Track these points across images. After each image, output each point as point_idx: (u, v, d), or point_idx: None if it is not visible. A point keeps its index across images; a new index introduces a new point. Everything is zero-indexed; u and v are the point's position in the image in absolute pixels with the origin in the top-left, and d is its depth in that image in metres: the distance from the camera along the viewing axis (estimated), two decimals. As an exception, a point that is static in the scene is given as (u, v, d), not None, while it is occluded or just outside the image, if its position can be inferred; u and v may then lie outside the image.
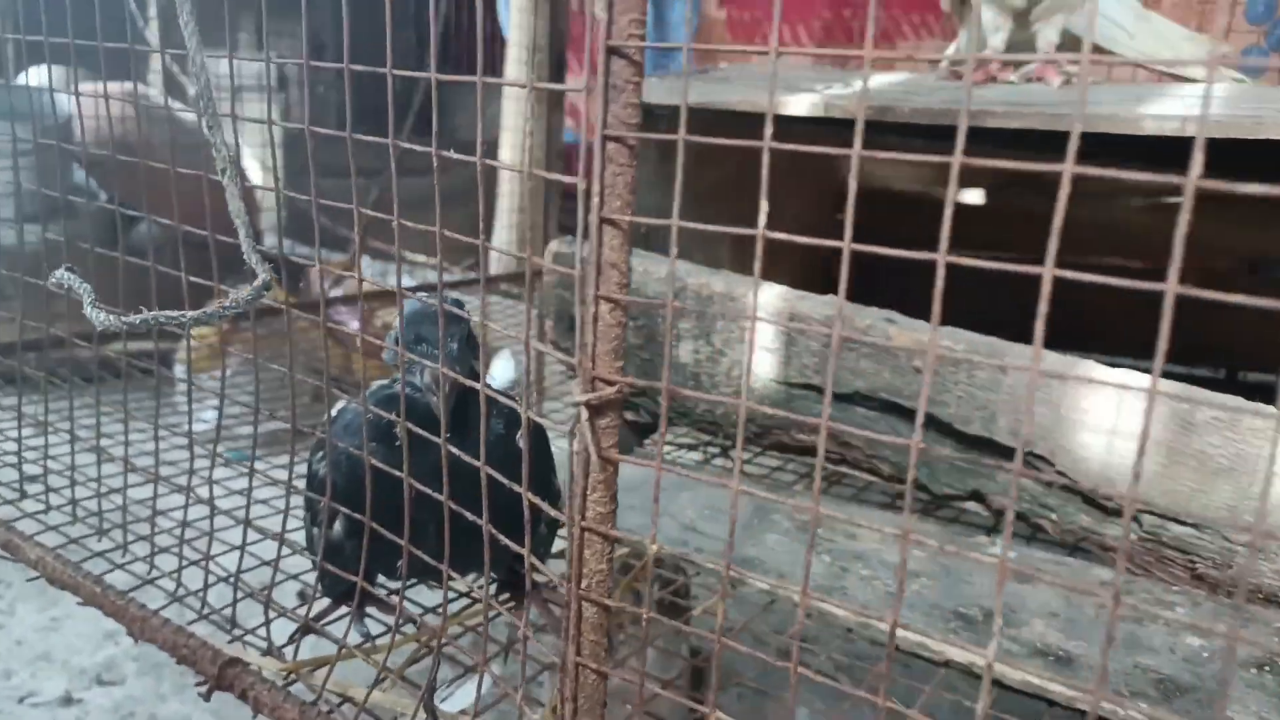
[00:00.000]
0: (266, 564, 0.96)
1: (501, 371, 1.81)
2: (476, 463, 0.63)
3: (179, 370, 2.29)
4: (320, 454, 0.86)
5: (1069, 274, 0.40)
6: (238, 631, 0.88)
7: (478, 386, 0.62)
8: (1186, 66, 1.59)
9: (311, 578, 0.92)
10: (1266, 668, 0.83)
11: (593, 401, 0.50)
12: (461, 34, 2.73)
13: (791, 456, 1.36)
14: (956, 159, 0.44)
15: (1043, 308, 0.41)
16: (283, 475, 0.93)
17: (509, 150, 2.78)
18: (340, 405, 0.88)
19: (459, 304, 0.82)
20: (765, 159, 0.45)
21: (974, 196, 1.83)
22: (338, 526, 0.81)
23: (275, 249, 2.66)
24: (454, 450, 0.64)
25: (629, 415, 1.37)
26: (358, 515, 0.74)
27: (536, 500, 0.58)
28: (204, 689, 0.77)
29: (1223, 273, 1.67)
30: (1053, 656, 0.86)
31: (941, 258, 0.44)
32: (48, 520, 1.10)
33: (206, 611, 0.93)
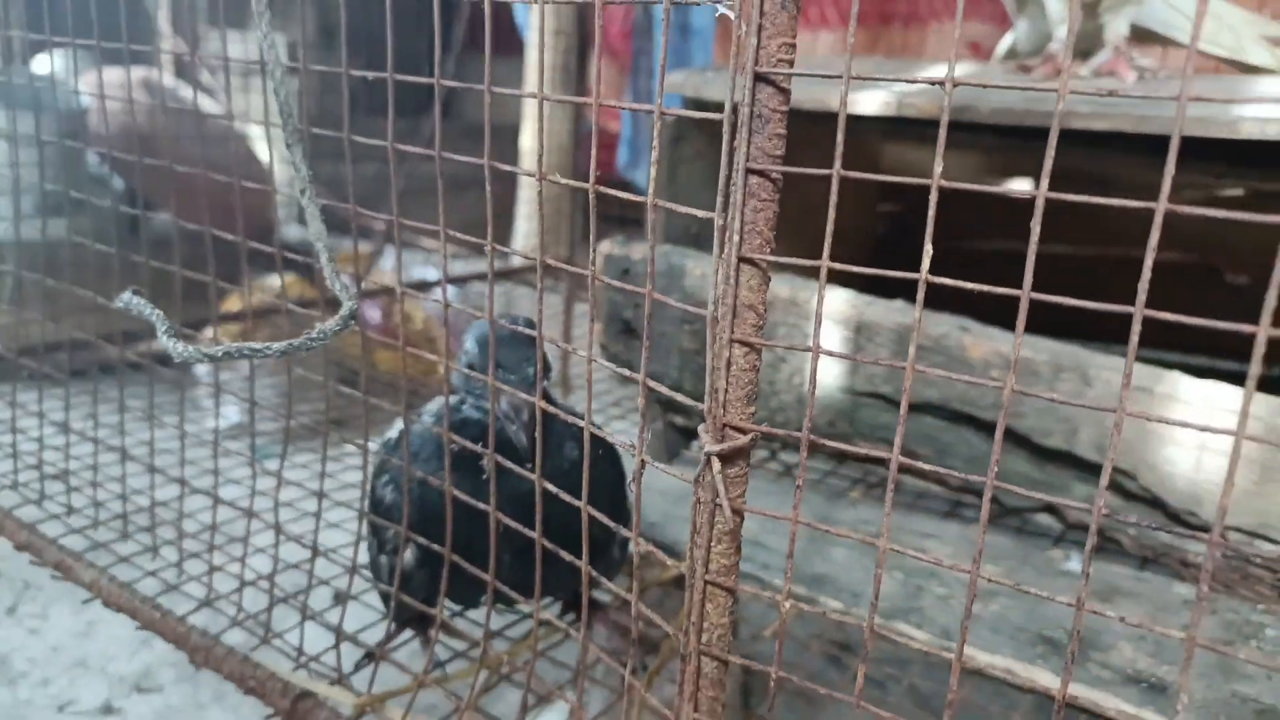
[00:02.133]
0: (295, 566, 0.94)
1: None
2: (572, 500, 0.60)
3: (201, 368, 2.27)
4: (385, 478, 0.82)
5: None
6: (299, 656, 0.85)
7: (571, 418, 0.59)
8: (1247, 53, 1.54)
9: (345, 583, 0.89)
10: (1374, 698, 0.80)
11: (725, 451, 0.47)
12: (481, 17, 2.67)
13: (847, 462, 1.33)
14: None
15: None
16: (304, 475, 0.89)
17: (530, 137, 2.74)
18: (399, 426, 0.85)
19: (530, 325, 0.79)
20: (933, 197, 0.41)
21: (1024, 185, 1.78)
22: (409, 556, 0.78)
23: (311, 257, 2.63)
24: (550, 487, 0.61)
25: (678, 420, 1.33)
26: (436, 547, 0.71)
27: (652, 547, 0.55)
28: (276, 724, 0.75)
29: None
30: (1145, 684, 0.83)
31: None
32: (71, 524, 1.08)
33: (241, 617, 0.91)
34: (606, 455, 0.84)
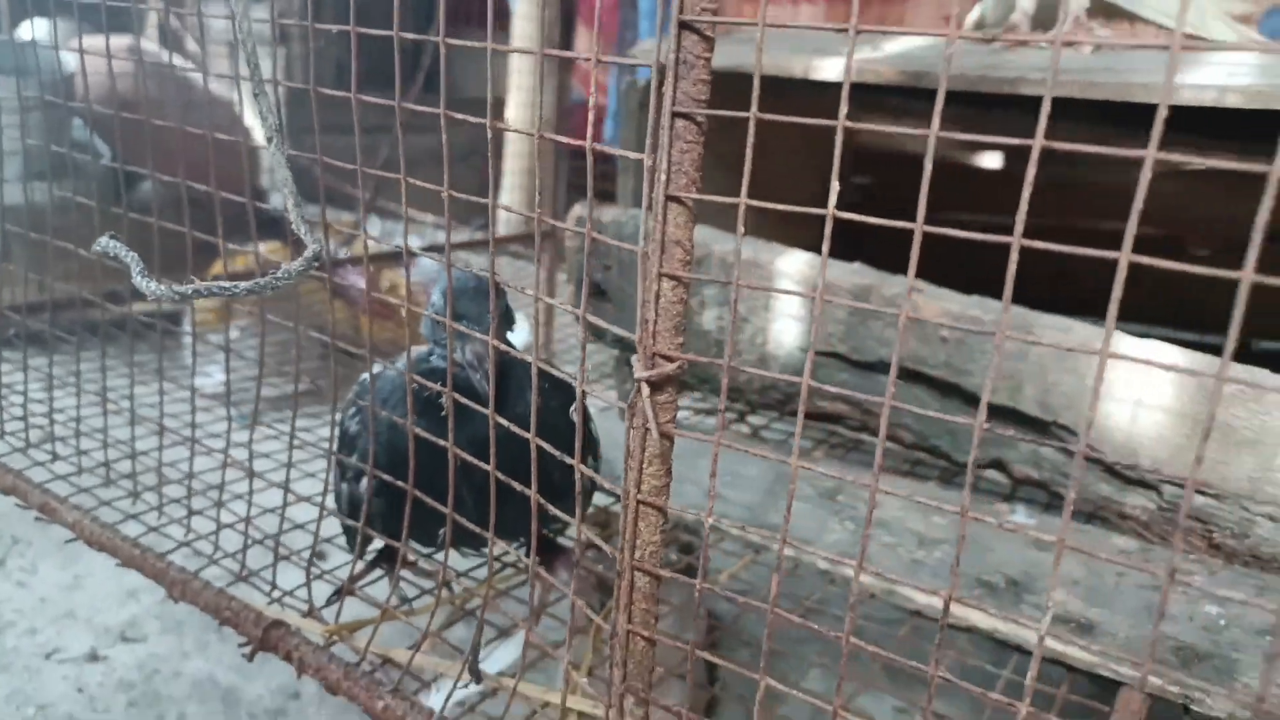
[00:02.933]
0: (271, 511, 0.98)
1: (515, 335, 1.81)
2: (522, 433, 0.64)
3: (186, 328, 2.29)
4: (352, 410, 0.86)
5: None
6: (272, 590, 0.89)
7: (528, 359, 0.63)
8: (1209, 29, 1.58)
9: (323, 531, 0.93)
10: (1286, 636, 0.85)
11: (653, 378, 0.51)
12: (469, -11, 2.71)
13: (810, 422, 1.37)
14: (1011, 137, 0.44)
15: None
16: (284, 429, 0.93)
17: (516, 109, 2.76)
18: (375, 370, 0.88)
19: (480, 284, 0.82)
20: (839, 138, 0.45)
21: (993, 161, 1.82)
22: (363, 484, 0.82)
23: (282, 210, 2.65)
24: (502, 421, 0.65)
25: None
26: (400, 484, 0.75)
27: (591, 473, 0.59)
28: (248, 649, 0.79)
29: (1245, 243, 1.68)
30: (1074, 623, 0.87)
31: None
32: (55, 470, 1.12)
33: (218, 556, 0.94)
34: (568, 402, 0.88)
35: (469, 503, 0.79)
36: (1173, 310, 1.73)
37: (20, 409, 1.21)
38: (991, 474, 1.16)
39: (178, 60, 2.03)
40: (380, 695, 0.69)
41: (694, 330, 1.23)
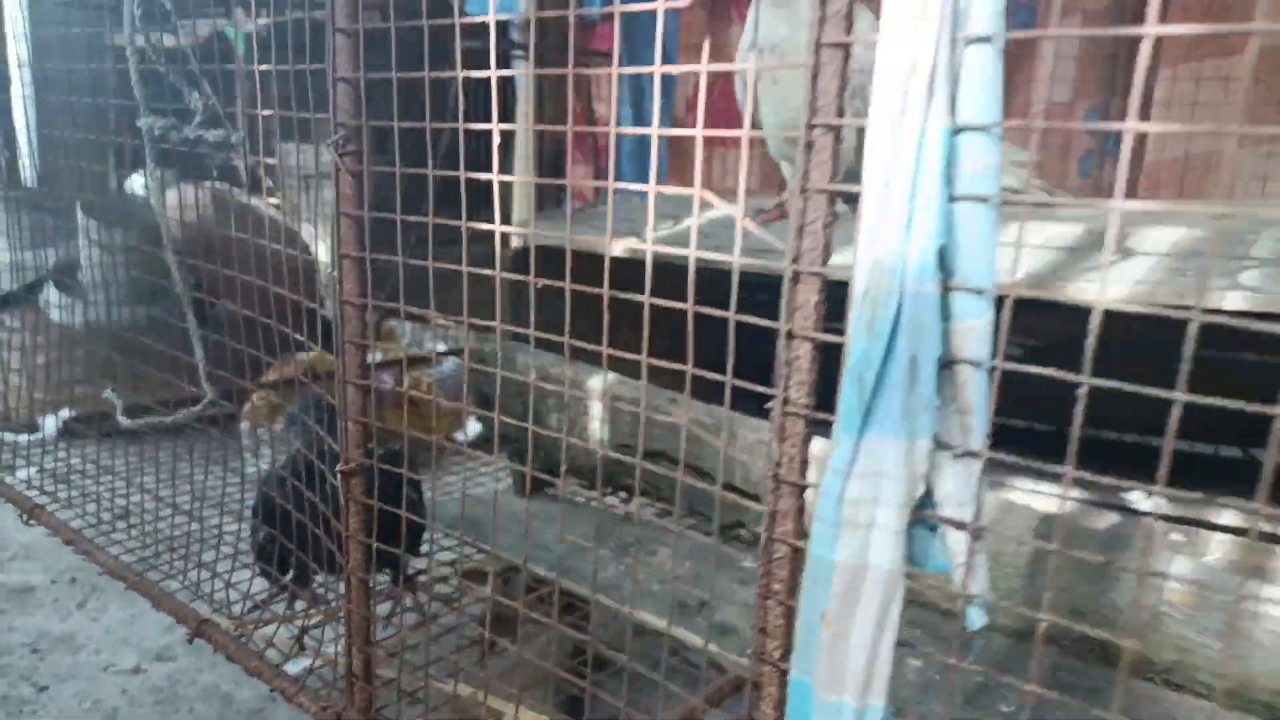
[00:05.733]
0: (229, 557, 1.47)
1: (470, 428, 2.32)
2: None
3: (244, 426, 2.87)
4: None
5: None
6: (212, 603, 1.38)
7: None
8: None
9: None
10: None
11: (345, 470, 0.98)
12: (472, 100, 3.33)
13: (630, 496, 1.80)
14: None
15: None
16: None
17: (519, 239, 3.30)
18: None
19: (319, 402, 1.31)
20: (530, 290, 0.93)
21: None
22: (261, 535, 1.31)
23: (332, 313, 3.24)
24: (314, 499, 1.13)
25: (521, 467, 1.84)
26: (271, 529, 1.24)
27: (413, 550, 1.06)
28: (188, 636, 1.28)
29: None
30: (719, 629, 1.29)
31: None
32: (116, 537, 1.65)
33: (182, 579, 1.44)
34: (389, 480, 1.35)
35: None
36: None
37: (95, 496, 1.76)
38: (743, 533, 1.57)
39: (254, 199, 2.62)
40: (252, 659, 1.17)
41: (547, 429, 1.70)
